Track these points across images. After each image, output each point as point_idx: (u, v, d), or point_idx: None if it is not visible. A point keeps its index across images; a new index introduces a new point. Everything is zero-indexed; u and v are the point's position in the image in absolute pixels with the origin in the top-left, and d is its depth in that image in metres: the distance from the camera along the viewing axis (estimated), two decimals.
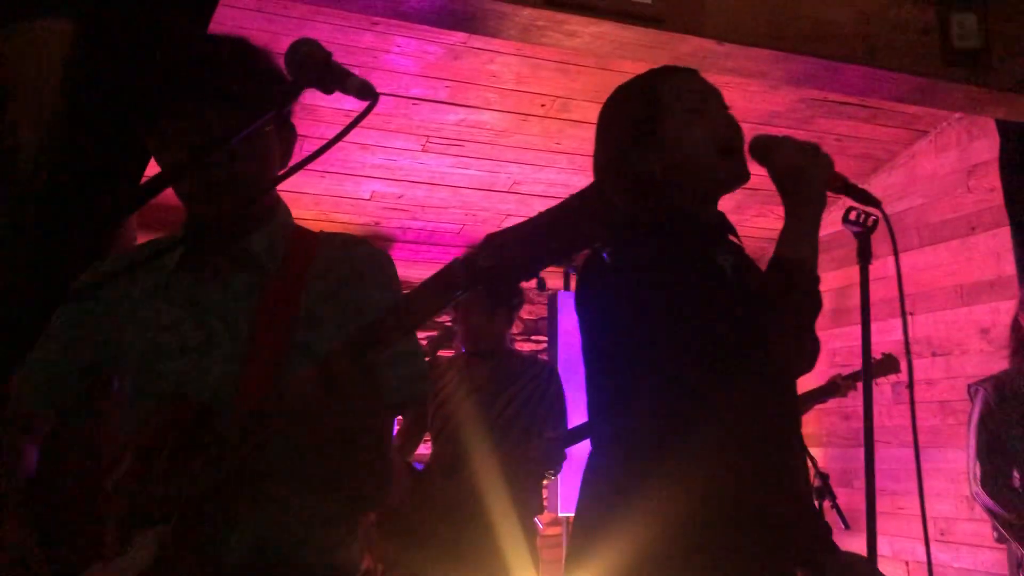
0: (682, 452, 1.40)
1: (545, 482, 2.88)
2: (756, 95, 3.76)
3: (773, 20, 2.96)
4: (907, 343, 1.89)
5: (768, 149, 1.45)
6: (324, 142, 0.99)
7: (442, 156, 4.21)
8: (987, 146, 3.87)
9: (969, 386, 2.83)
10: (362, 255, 1.39)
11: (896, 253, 1.56)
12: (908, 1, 3.15)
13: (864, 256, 1.88)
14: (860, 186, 1.50)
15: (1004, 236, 3.78)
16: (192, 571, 1.11)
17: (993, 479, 2.64)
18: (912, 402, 1.76)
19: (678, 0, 2.83)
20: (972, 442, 2.72)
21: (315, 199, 4.47)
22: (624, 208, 1.56)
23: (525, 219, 0.93)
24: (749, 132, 4.08)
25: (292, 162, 1.35)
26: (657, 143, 1.49)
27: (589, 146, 4.42)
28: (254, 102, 1.10)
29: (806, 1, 3.02)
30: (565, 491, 5.38)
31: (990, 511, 2.66)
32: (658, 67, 1.63)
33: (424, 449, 3.26)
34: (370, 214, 4.77)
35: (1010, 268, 3.67)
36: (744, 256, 1.55)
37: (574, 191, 3.66)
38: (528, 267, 0.93)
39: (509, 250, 0.90)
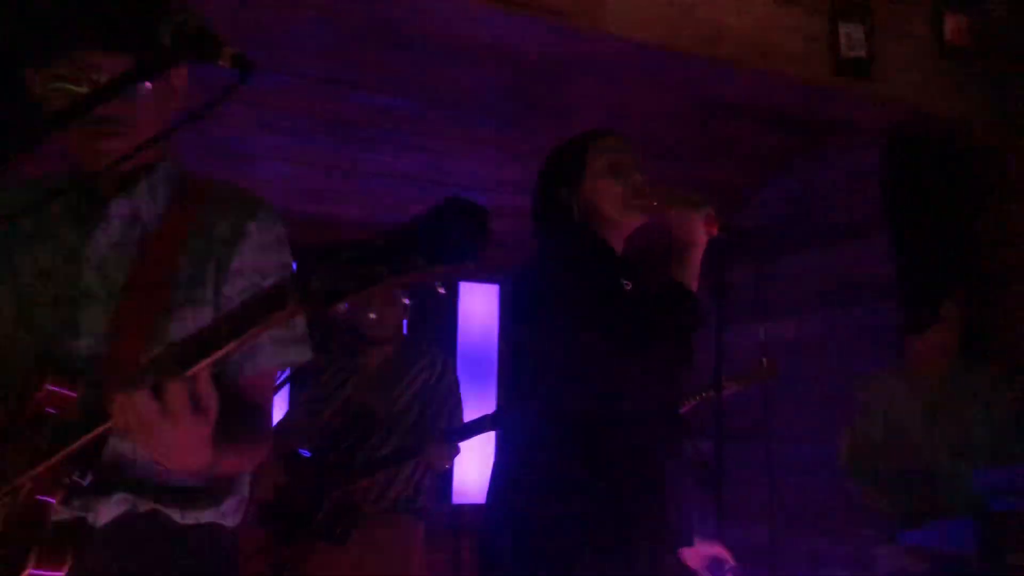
0: (571, 448, 1.65)
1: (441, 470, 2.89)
2: (653, 95, 3.83)
3: (671, 22, 3.03)
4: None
5: (661, 202, 1.83)
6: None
7: (350, 141, 4.16)
8: (871, 155, 4.04)
9: (850, 380, 2.96)
10: (250, 213, 1.35)
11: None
12: (799, 10, 3.27)
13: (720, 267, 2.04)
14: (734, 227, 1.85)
15: (887, 240, 3.96)
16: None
17: (853, 472, 2.78)
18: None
19: None
20: (847, 433, 2.85)
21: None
22: (546, 234, 2.00)
23: (360, 239, 0.93)
24: (649, 132, 4.18)
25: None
26: (577, 190, 1.91)
27: (497, 136, 4.41)
28: (144, 46, 1.06)
29: (703, 5, 3.10)
30: (458, 481, 5.41)
31: (858, 495, 2.78)
32: (590, 131, 2.05)
33: None
34: (276, 198, 4.63)
35: (892, 271, 3.84)
36: (641, 277, 1.87)
37: (482, 181, 3.71)
38: (359, 292, 0.93)
39: (343, 273, 0.89)
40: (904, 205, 3.75)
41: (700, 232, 1.75)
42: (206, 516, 1.27)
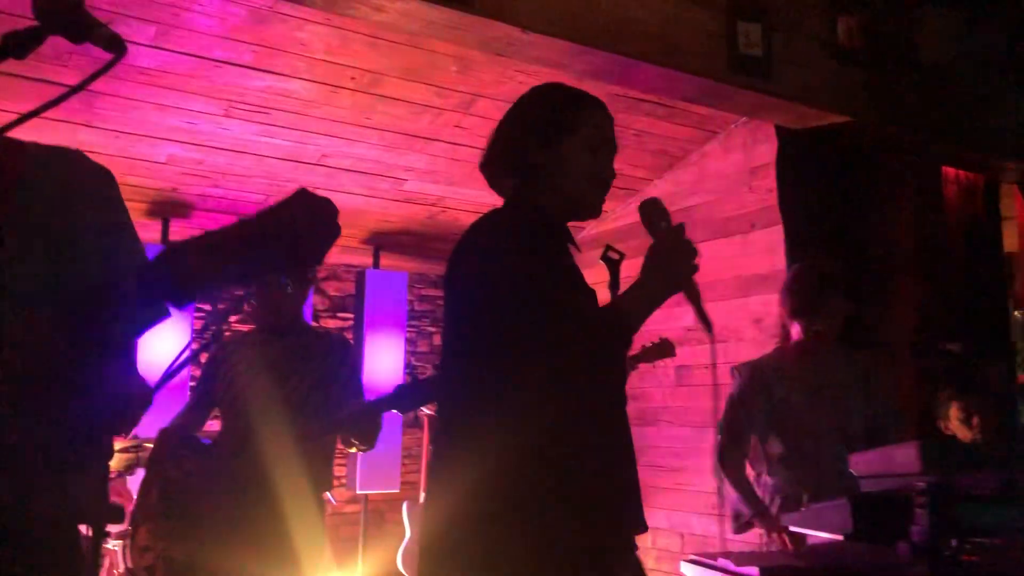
0: (516, 424, 1.55)
1: (354, 451, 2.86)
2: None
3: (576, 14, 3.06)
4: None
5: (660, 224, 1.67)
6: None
7: (246, 123, 4.07)
8: (768, 149, 4.18)
9: (732, 369, 3.05)
10: (76, 174, 1.26)
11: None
12: (700, 8, 3.34)
13: (614, 285, 2.05)
14: (703, 311, 1.67)
15: (778, 233, 4.10)
16: None
17: (731, 455, 2.87)
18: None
19: None
20: (722, 419, 2.93)
21: (107, 160, 4.19)
22: (503, 193, 1.82)
23: (204, 234, 0.92)
24: None
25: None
26: (554, 153, 1.73)
27: (401, 123, 4.43)
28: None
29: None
30: (364, 470, 5.38)
31: (721, 484, 2.87)
32: (587, 94, 1.82)
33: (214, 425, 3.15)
34: (167, 179, 4.54)
35: (782, 263, 3.99)
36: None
37: (384, 167, 3.67)
38: (202, 290, 0.92)
39: (187, 271, 0.88)
40: (795, 199, 3.89)
41: (679, 285, 1.61)
42: None
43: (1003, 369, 4.38)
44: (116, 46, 0.93)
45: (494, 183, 1.85)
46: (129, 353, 1.28)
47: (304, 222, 1.13)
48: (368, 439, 2.73)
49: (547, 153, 1.72)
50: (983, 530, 1.95)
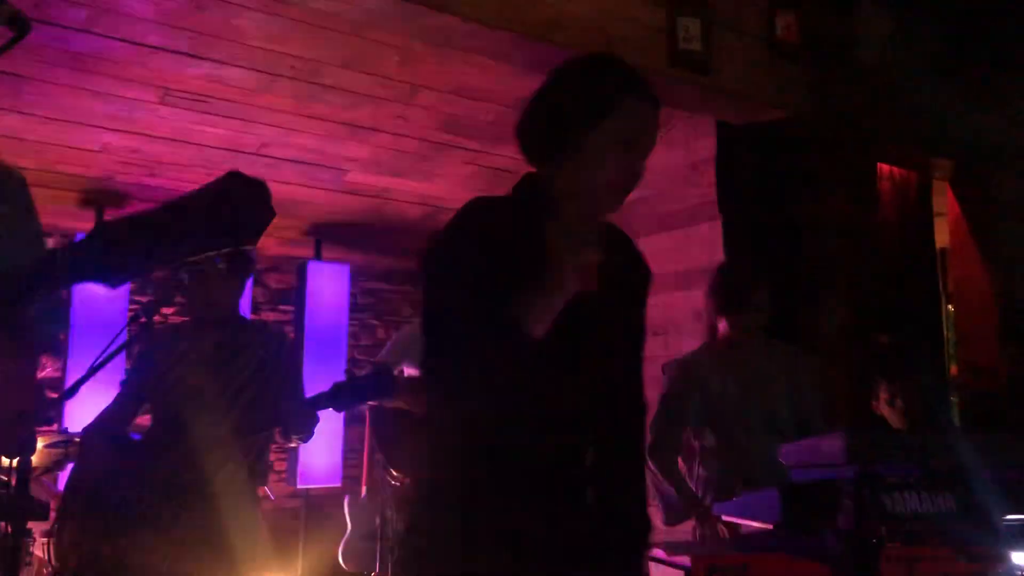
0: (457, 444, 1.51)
1: (292, 445, 2.81)
2: (504, 78, 3.86)
3: (516, 5, 3.06)
4: None
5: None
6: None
7: (184, 111, 3.99)
8: (708, 144, 4.22)
9: (663, 366, 3.08)
10: None
11: None
12: (639, 1, 3.36)
13: None
14: None
15: (719, 227, 4.15)
16: None
17: (663, 449, 2.90)
18: None
19: None
20: (655, 415, 2.94)
21: (37, 147, 4.09)
22: (530, 162, 1.61)
23: (136, 213, 0.90)
24: (500, 114, 4.18)
25: None
26: (584, 137, 1.53)
27: (342, 113, 4.37)
28: None
29: None
30: (305, 464, 5.33)
31: (654, 477, 2.89)
32: (634, 76, 1.59)
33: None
34: (102, 167, 4.43)
35: (721, 256, 4.03)
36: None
37: (325, 157, 3.61)
38: (133, 271, 0.90)
39: (120, 246, 0.86)
40: (734, 194, 3.94)
41: (574, 280, 1.45)
42: None
43: (935, 361, 4.49)
44: (18, 24, 0.90)
45: (526, 152, 1.64)
46: (28, 362, 1.24)
47: (237, 199, 1.11)
48: (304, 433, 2.69)
49: (577, 135, 1.53)
50: (907, 517, 2.00)
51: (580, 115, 1.54)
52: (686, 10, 3.43)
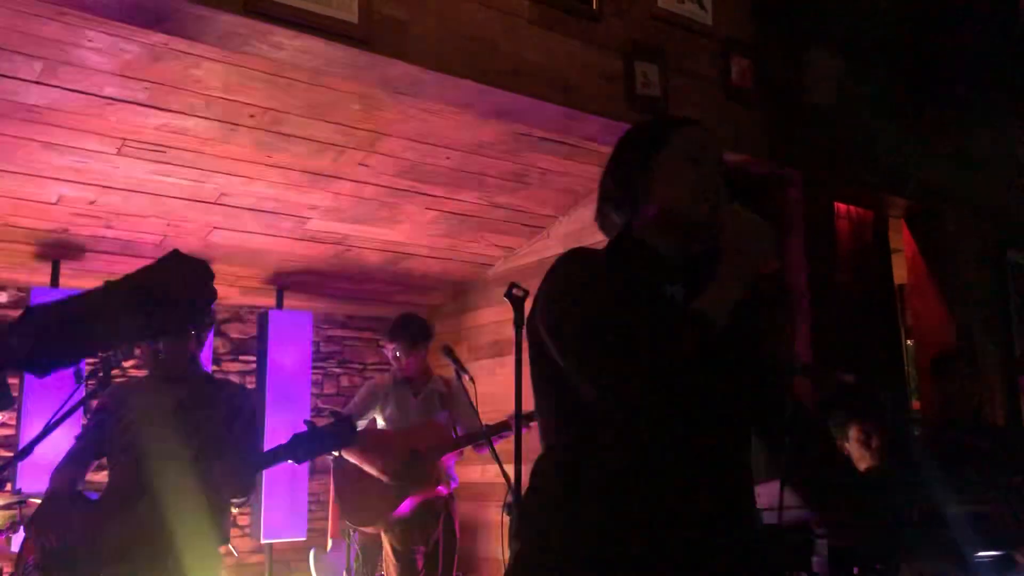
0: (590, 473, 1.49)
1: (234, 510, 2.75)
2: (466, 125, 3.88)
3: (476, 54, 3.08)
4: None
5: (727, 213, 1.55)
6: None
7: (141, 161, 3.95)
8: None
9: None
10: None
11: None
12: (598, 48, 3.41)
13: (518, 322, 2.01)
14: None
15: None
16: None
17: None
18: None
19: (383, 24, 2.87)
20: None
21: None
22: (608, 218, 1.68)
23: (67, 298, 0.88)
24: (462, 160, 4.19)
25: None
26: (649, 168, 1.62)
27: (303, 161, 4.36)
28: None
29: (505, 39, 3.17)
30: (269, 518, 5.22)
31: None
32: (683, 117, 1.75)
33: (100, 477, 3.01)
34: (57, 220, 4.37)
35: None
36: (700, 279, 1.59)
37: (286, 205, 3.58)
38: (64, 360, 0.87)
39: (47, 334, 0.84)
40: None
41: (754, 266, 1.49)
42: None
43: (897, 396, 4.54)
44: None
45: (606, 227, 1.71)
46: None
47: (176, 287, 1.07)
48: (240, 495, 2.63)
49: (644, 171, 1.62)
50: (880, 557, 2.00)
51: (645, 148, 1.64)
52: (643, 57, 3.48)
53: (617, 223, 1.67)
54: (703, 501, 1.48)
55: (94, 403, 2.91)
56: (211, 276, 1.05)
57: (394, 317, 4.27)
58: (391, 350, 4.18)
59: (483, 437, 3.77)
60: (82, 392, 2.64)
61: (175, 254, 1.02)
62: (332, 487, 4.78)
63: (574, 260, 1.57)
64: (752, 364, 1.63)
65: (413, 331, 4.16)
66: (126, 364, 3.03)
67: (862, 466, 3.58)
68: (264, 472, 5.07)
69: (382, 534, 4.08)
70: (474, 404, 3.72)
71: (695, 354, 1.42)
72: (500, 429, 3.83)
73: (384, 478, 3.89)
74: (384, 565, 4.14)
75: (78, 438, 2.90)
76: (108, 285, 0.93)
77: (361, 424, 4.15)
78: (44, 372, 1.02)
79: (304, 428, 2.63)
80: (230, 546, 2.97)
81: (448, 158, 4.24)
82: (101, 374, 2.50)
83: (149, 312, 0.91)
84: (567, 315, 1.50)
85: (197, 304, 0.99)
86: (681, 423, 1.48)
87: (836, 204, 4.46)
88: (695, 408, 1.49)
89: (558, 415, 1.58)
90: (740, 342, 1.57)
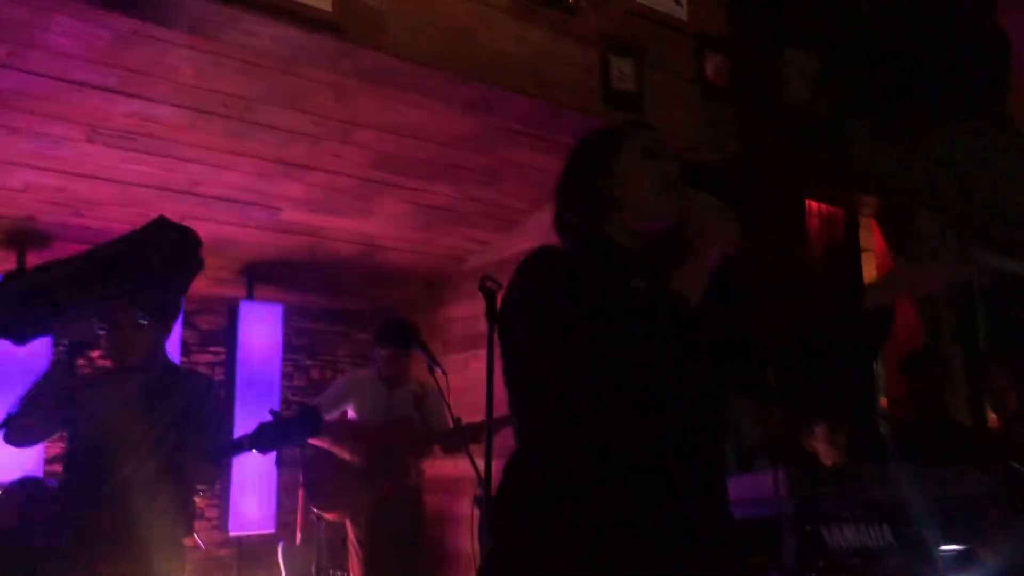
0: (570, 471, 1.49)
1: (196, 498, 2.72)
2: (442, 117, 3.86)
3: (451, 44, 3.07)
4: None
5: (687, 200, 1.60)
6: None
7: (110, 148, 3.89)
8: None
9: None
10: None
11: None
12: (573, 42, 3.40)
13: (491, 316, 2.01)
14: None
15: None
16: None
17: None
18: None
19: (358, 12, 2.85)
20: None
21: None
22: (569, 223, 1.72)
23: (46, 263, 0.87)
24: (436, 152, 4.16)
25: None
26: (610, 171, 1.67)
27: (276, 151, 4.31)
28: None
29: (482, 30, 3.16)
30: (237, 511, 5.17)
31: None
32: (631, 121, 1.83)
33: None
34: (23, 207, 4.29)
35: None
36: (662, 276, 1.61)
37: (259, 195, 3.52)
38: (40, 329, 0.86)
39: (29, 300, 0.83)
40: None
41: (717, 246, 1.53)
42: None
43: (864, 393, 4.58)
44: None
45: (563, 232, 1.75)
46: None
47: (163, 251, 1.06)
48: (203, 481, 2.61)
49: (605, 173, 1.67)
50: (846, 550, 2.01)
51: (601, 153, 1.70)
52: (618, 50, 3.48)
53: (577, 227, 1.71)
54: (679, 493, 1.49)
55: (62, 391, 2.86)
56: (198, 243, 1.04)
57: (384, 318, 4.33)
58: (377, 350, 4.23)
59: (459, 441, 3.78)
60: (45, 381, 2.60)
61: (160, 220, 1.01)
62: (301, 475, 4.75)
63: (544, 260, 1.59)
64: (726, 342, 1.68)
65: (403, 335, 4.20)
66: (93, 354, 2.97)
67: (828, 462, 3.61)
68: (232, 465, 5.03)
69: (348, 524, 4.07)
70: (448, 408, 3.75)
71: (672, 339, 1.45)
72: (477, 432, 3.79)
73: (356, 460, 3.90)
74: (348, 557, 4.13)
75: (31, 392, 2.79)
76: (91, 250, 0.91)
77: (332, 415, 4.14)
78: (23, 339, 1.00)
79: (270, 418, 2.61)
80: (196, 538, 2.94)
81: (423, 151, 4.22)
82: (64, 362, 2.46)
83: (135, 273, 0.90)
84: (545, 315, 1.51)
85: (182, 268, 0.98)
86: (659, 412, 1.50)
87: (808, 202, 4.49)
88: (673, 395, 1.51)
89: (532, 412, 1.59)
90: (712, 323, 1.61)
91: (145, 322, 2.70)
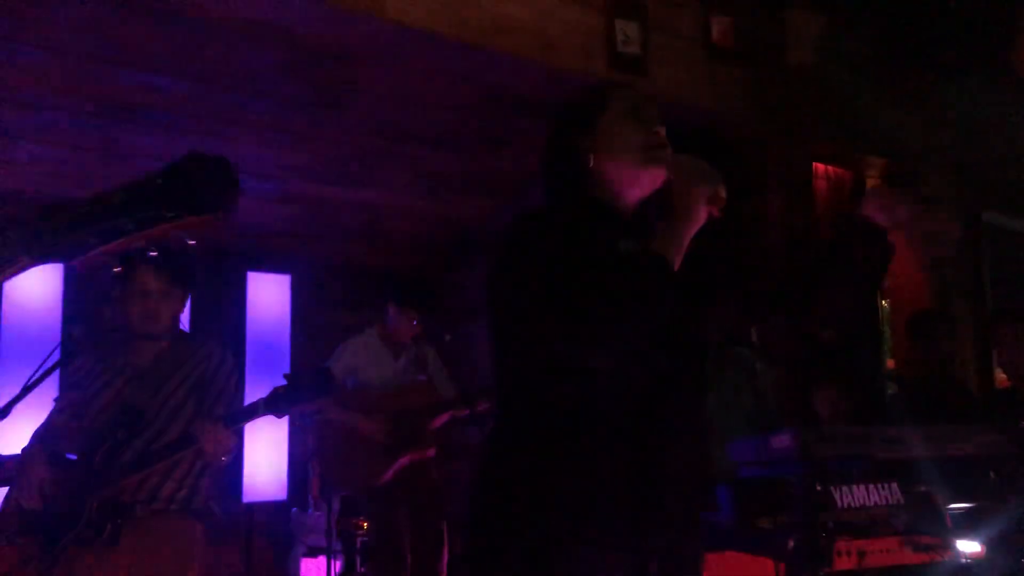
0: (547, 431, 1.51)
1: (220, 464, 2.73)
2: (446, 84, 3.83)
3: (454, 11, 3.04)
4: None
5: (672, 161, 1.59)
6: None
7: (113, 121, 3.89)
8: None
9: None
10: None
11: None
12: (579, 5, 3.37)
13: None
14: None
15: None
16: None
17: None
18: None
19: None
20: None
21: None
22: (555, 186, 1.71)
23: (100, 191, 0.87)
24: (440, 119, 4.12)
25: None
26: (593, 132, 1.65)
27: (277, 121, 4.25)
28: None
29: None
30: (249, 478, 5.22)
31: None
32: (610, 82, 1.79)
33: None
34: (29, 180, 4.30)
35: None
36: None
37: (263, 166, 3.49)
38: (103, 247, 0.86)
39: (74, 224, 0.82)
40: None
41: (701, 207, 1.53)
42: None
43: (873, 355, 4.59)
44: None
45: (550, 194, 1.75)
46: None
47: (197, 171, 1.07)
48: (221, 451, 2.61)
49: (589, 134, 1.65)
50: (854, 510, 2.03)
51: (585, 115, 1.67)
52: (624, 13, 3.45)
53: (564, 189, 1.70)
54: (661, 453, 1.52)
55: (75, 363, 2.87)
56: (232, 168, 1.04)
57: (401, 279, 4.25)
58: (393, 311, 4.15)
59: (469, 401, 3.78)
60: (59, 354, 2.61)
61: (193, 152, 1.01)
62: (313, 448, 4.79)
63: (530, 223, 1.59)
64: (710, 298, 1.70)
65: (422, 297, 4.14)
66: (106, 315, 2.98)
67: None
68: (244, 433, 5.07)
69: (364, 495, 4.08)
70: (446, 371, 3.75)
71: (658, 297, 1.47)
72: (488, 396, 3.79)
73: (378, 437, 3.86)
74: (363, 525, 4.15)
75: (57, 399, 2.88)
76: (131, 182, 0.90)
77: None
78: (71, 257, 1.01)
79: (283, 383, 2.61)
80: (210, 504, 2.97)
81: (426, 118, 4.20)
82: (77, 332, 2.47)
83: (172, 193, 0.90)
84: (531, 277, 1.51)
85: (219, 189, 0.98)
86: (640, 372, 1.52)
87: (814, 164, 4.46)
88: (653, 355, 1.53)
89: (515, 379, 1.59)
90: (697, 279, 1.63)
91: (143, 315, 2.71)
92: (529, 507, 1.49)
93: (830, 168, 4.57)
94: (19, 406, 2.34)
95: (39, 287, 4.79)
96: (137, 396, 2.72)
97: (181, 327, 3.03)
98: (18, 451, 2.80)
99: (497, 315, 1.64)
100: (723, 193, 1.55)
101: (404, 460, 3.89)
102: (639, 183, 1.64)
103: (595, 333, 1.46)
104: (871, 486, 2.06)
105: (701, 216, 1.53)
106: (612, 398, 1.51)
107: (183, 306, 2.95)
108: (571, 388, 1.51)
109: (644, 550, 1.51)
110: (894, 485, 2.07)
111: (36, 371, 2.59)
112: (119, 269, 2.75)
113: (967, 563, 2.09)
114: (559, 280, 1.47)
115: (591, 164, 1.64)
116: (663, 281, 1.47)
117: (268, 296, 5.58)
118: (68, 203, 0.89)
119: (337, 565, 4.74)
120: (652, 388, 1.53)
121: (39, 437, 2.83)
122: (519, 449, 1.55)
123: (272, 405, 2.52)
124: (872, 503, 2.04)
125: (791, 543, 1.96)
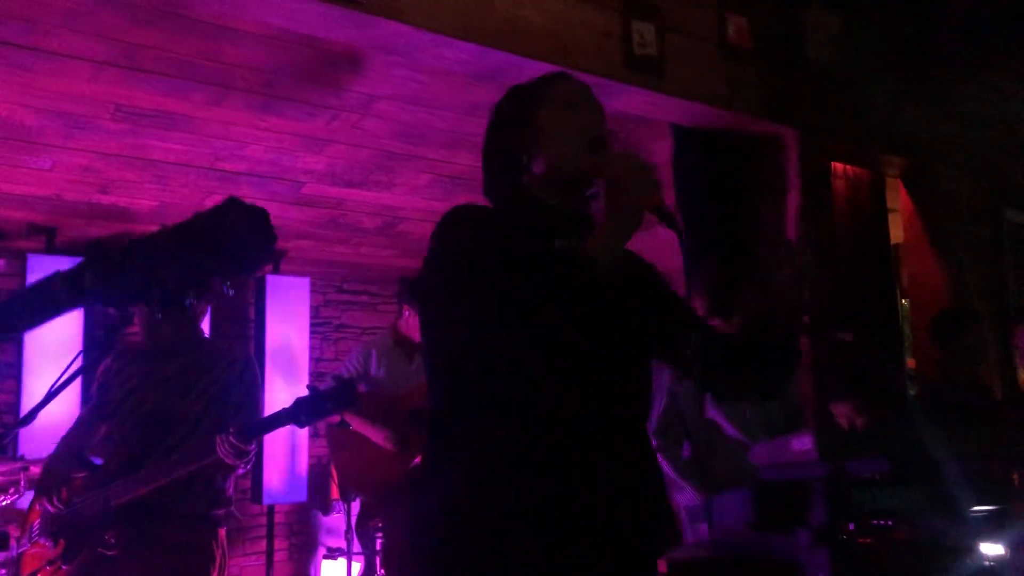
0: (468, 437, 1.46)
1: (240, 472, 2.75)
2: (461, 86, 3.84)
3: (469, 13, 3.05)
4: None
5: (608, 157, 1.55)
6: None
7: (135, 126, 3.92)
8: (664, 148, 4.23)
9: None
10: None
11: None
12: (595, 7, 3.37)
13: None
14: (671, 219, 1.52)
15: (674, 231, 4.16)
16: None
17: (663, 436, 2.95)
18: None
19: None
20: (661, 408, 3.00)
21: None
22: (494, 184, 1.68)
23: (143, 236, 0.88)
24: (456, 121, 4.13)
25: None
26: (531, 129, 1.61)
27: (296, 124, 4.31)
28: None
29: None
30: (270, 481, 5.25)
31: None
32: (548, 73, 1.72)
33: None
34: (52, 185, 4.34)
35: (678, 261, 4.04)
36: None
37: (280, 169, 3.53)
38: (137, 295, 0.87)
39: (119, 274, 0.84)
40: (691, 196, 3.97)
41: (638, 204, 1.44)
42: None
43: (892, 354, 4.56)
44: None
45: (491, 193, 1.70)
46: None
47: (241, 227, 1.08)
48: (240, 461, 2.62)
49: (527, 129, 1.61)
50: (876, 513, 2.02)
51: (522, 112, 1.64)
52: (640, 15, 3.44)
53: (504, 187, 1.66)
54: (592, 461, 1.43)
55: (100, 368, 2.90)
56: (269, 220, 1.05)
57: (409, 279, 4.21)
58: (408, 312, 4.12)
59: None
60: (82, 360, 2.63)
61: (232, 201, 1.02)
62: (330, 452, 4.81)
63: (457, 216, 1.55)
64: (649, 302, 1.65)
65: None
66: (132, 330, 3.01)
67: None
68: (265, 436, 5.09)
69: (382, 499, 4.09)
70: None
71: (582, 298, 1.41)
72: None
73: (389, 446, 3.87)
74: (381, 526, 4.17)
75: (84, 404, 2.91)
76: (172, 226, 0.92)
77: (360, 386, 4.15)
78: (120, 305, 1.03)
79: (307, 393, 2.62)
80: (232, 509, 2.98)
81: (443, 121, 4.20)
82: (103, 339, 2.49)
83: (216, 251, 0.92)
84: (457, 269, 1.47)
85: (260, 245, 1.00)
86: (565, 373, 1.45)
87: (833, 164, 4.44)
88: (588, 356, 1.47)
89: (444, 383, 1.53)
90: (635, 281, 1.60)
91: (232, 292, 2.73)
92: (451, 534, 1.43)
93: (848, 167, 4.55)
94: (43, 411, 2.36)
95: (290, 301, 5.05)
96: (162, 402, 2.74)
97: (203, 333, 3.05)
98: (45, 455, 2.83)
99: (423, 315, 1.61)
100: (660, 191, 1.48)
101: (418, 461, 3.89)
102: (575, 179, 1.59)
103: (512, 331, 1.39)
104: (893, 488, 2.05)
105: (639, 214, 1.45)
106: (526, 416, 1.42)
107: (204, 315, 2.98)
108: (486, 398, 1.44)
109: None
110: (916, 487, 2.06)
111: (60, 376, 2.60)
112: (232, 292, 2.78)
113: (990, 565, 2.07)
114: (471, 268, 1.43)
115: (527, 160, 1.60)
116: (583, 281, 1.40)
117: (287, 299, 5.61)
118: (112, 245, 0.91)
119: (358, 567, 4.76)
120: (572, 406, 1.44)
121: (66, 440, 2.86)
122: (436, 472, 1.49)
123: (293, 416, 2.52)
124: (893, 506, 2.03)
125: (813, 546, 1.95)
